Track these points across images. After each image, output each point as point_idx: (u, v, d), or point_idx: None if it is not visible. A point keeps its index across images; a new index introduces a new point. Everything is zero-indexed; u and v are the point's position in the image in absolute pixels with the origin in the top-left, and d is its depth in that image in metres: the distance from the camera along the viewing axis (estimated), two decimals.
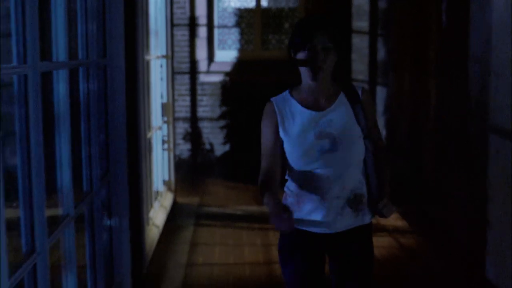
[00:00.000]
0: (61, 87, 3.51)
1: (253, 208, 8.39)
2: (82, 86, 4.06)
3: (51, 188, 3.51)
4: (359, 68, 10.77)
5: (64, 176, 3.56)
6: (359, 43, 10.70)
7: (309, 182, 3.25)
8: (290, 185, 3.35)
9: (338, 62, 3.22)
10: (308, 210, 3.27)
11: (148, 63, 6.68)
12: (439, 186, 7.46)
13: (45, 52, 3.43)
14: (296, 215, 3.24)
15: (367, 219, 3.36)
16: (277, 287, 5.66)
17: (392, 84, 9.68)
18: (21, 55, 2.82)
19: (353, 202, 3.28)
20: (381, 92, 10.31)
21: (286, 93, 3.33)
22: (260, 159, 3.33)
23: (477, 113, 4.63)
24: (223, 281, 5.90)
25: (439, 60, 7.56)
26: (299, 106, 3.26)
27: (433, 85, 7.85)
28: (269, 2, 11.57)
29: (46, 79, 3.41)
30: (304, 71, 3.20)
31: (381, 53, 10.25)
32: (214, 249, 6.80)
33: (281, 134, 3.28)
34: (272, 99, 3.32)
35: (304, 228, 3.30)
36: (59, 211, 3.59)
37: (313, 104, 3.27)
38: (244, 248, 6.79)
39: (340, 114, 3.25)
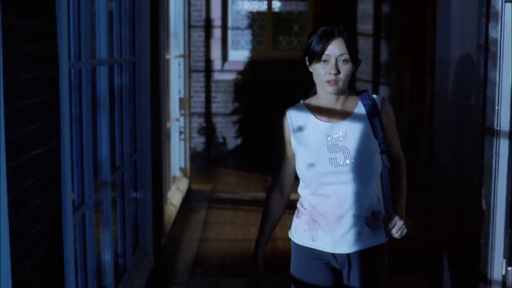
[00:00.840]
0: (102, 80, 4.36)
1: (261, 194, 8.89)
2: (116, 80, 4.91)
3: (96, 160, 4.37)
4: (364, 69, 10.88)
5: (104, 150, 4.42)
6: (364, 45, 10.71)
7: (323, 200, 3.09)
8: (303, 201, 3.20)
9: (354, 72, 3.09)
10: (322, 229, 3.12)
11: (168, 61, 7.50)
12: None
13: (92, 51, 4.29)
14: (309, 233, 3.15)
15: (384, 238, 3.18)
16: (279, 260, 6.35)
17: (394, 83, 10.08)
18: (77, 54, 3.68)
19: (371, 220, 3.12)
20: (383, 92, 10.44)
21: (300, 103, 3.20)
22: (273, 163, 3.21)
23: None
24: (232, 253, 6.58)
25: (433, 60, 8.14)
26: (312, 117, 3.12)
27: (429, 84, 8.47)
28: (280, 6, 12.01)
29: (92, 73, 4.27)
30: (319, 82, 3.06)
31: (384, 55, 10.56)
32: (224, 227, 7.49)
33: (293, 146, 3.14)
34: (287, 110, 3.19)
35: (318, 248, 3.16)
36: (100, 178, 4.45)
37: (328, 116, 3.12)
38: (251, 227, 7.42)
39: (356, 126, 3.08)
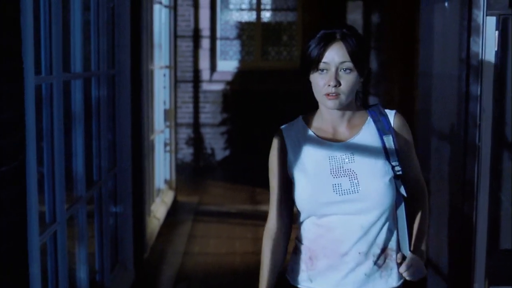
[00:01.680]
0: (77, 94, 4.28)
1: (247, 207, 9.01)
2: (94, 93, 4.82)
3: (70, 175, 4.28)
4: None
5: (79, 164, 4.33)
6: None
7: (323, 233, 2.63)
8: (301, 236, 2.71)
9: (363, 83, 2.64)
10: (323, 268, 2.65)
11: (152, 72, 7.42)
12: None
13: (65, 64, 4.21)
14: (308, 274, 2.68)
15: (396, 281, 2.67)
16: None
17: (384, 94, 10.09)
18: (48, 67, 3.59)
19: (381, 259, 2.63)
20: (373, 102, 10.56)
21: (298, 120, 2.75)
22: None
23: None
24: (215, 268, 6.51)
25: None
26: (313, 136, 2.66)
27: (417, 94, 8.40)
28: (269, 16, 11.98)
29: (66, 86, 4.18)
30: (317, 95, 2.60)
31: (374, 65, 10.56)
32: (209, 241, 7.41)
33: (290, 170, 2.68)
34: (282, 127, 2.75)
35: None
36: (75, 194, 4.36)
37: (331, 134, 2.66)
38: (236, 240, 7.38)
39: (364, 146, 2.63)
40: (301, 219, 2.69)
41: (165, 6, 8.43)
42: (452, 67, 4.11)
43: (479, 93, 3.83)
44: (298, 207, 2.67)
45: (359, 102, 2.68)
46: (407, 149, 2.70)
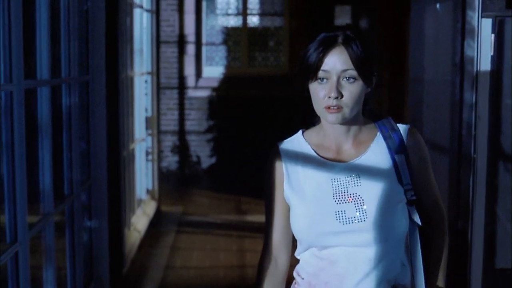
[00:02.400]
0: (44, 102, 3.99)
1: (232, 217, 8.81)
2: (64, 100, 4.55)
3: (36, 191, 4.00)
4: None
5: (46, 179, 4.05)
6: None
7: (325, 267, 2.31)
8: (300, 269, 2.39)
9: (371, 94, 2.35)
10: None
11: (132, 79, 7.16)
12: None
13: (31, 70, 3.93)
14: None
15: None
16: None
17: (371, 101, 9.96)
18: (7, 74, 3.31)
19: None
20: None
21: (298, 135, 2.43)
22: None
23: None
24: (198, 282, 6.29)
25: None
26: (314, 154, 2.34)
27: (407, 104, 8.27)
28: (255, 21, 11.83)
29: (31, 94, 3.91)
30: (317, 107, 2.28)
31: None
32: (192, 253, 7.18)
33: (287, 194, 2.35)
34: (280, 144, 2.43)
35: None
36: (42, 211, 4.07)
37: (335, 152, 2.34)
38: (220, 253, 7.17)
39: (373, 167, 2.31)
40: (300, 250, 2.37)
41: (147, 11, 8.17)
42: (445, 73, 3.86)
43: (474, 100, 3.56)
44: (296, 237, 2.36)
45: (366, 115, 2.37)
46: (423, 170, 2.37)
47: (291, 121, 10.58)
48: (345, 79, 2.22)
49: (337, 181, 2.29)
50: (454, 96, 3.72)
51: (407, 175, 2.30)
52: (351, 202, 2.26)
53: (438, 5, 3.98)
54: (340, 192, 2.28)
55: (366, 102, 2.33)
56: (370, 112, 2.38)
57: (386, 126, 2.37)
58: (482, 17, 3.51)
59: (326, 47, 2.23)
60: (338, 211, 2.26)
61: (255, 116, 11.26)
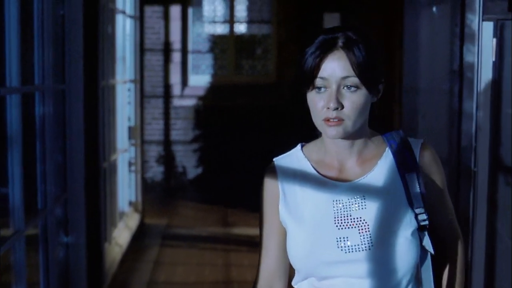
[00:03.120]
0: (13, 110, 3.73)
1: (218, 230, 8.60)
2: (37, 109, 4.29)
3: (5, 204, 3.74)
4: None
5: (16, 193, 3.78)
6: None
7: None
8: None
9: (378, 105, 2.07)
10: None
11: (113, 87, 6.91)
12: None
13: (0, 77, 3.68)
14: None
15: None
16: None
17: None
18: None
19: None
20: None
21: (296, 150, 2.15)
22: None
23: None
24: None
25: (402, 86, 7.82)
26: (313, 172, 2.08)
27: (397, 113, 8.12)
28: (242, 29, 11.71)
29: (1, 102, 3.65)
30: (316, 120, 2.02)
31: None
32: (176, 268, 6.98)
33: (282, 216, 2.08)
34: (276, 160, 2.15)
35: None
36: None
37: (337, 170, 2.07)
38: (206, 267, 6.96)
39: (380, 187, 2.03)
40: (298, 279, 2.11)
41: (130, 17, 7.93)
42: (442, 81, 3.62)
43: (474, 109, 3.32)
44: (293, 266, 2.10)
45: (373, 127, 2.11)
46: (437, 192, 2.09)
47: (279, 131, 10.60)
48: (346, 87, 1.96)
49: (340, 203, 2.02)
50: (452, 106, 3.47)
51: (419, 197, 2.02)
52: (355, 227, 1.99)
53: (434, 8, 3.74)
54: (342, 215, 2.01)
55: (373, 113, 2.05)
56: (378, 124, 2.11)
57: (396, 141, 2.08)
58: (483, 20, 3.26)
59: (324, 51, 1.96)
60: (340, 238, 1.99)
61: (243, 126, 11.12)
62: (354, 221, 2.00)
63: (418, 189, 2.01)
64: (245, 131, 11.05)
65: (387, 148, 2.07)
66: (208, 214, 9.59)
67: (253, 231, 8.35)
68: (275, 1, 11.38)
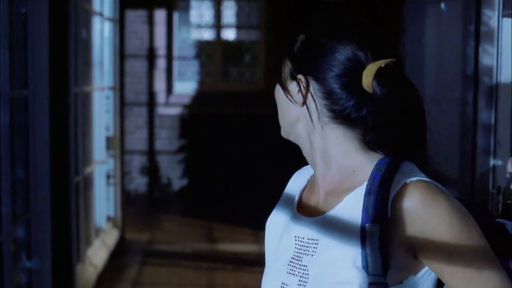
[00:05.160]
0: None
1: (203, 246, 8.19)
2: None
3: None
4: None
5: None
6: None
7: None
8: None
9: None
10: None
11: (88, 94, 6.44)
12: None
13: None
14: None
15: None
16: None
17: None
18: None
19: None
20: None
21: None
22: None
23: None
24: None
25: None
26: (293, 195, 1.72)
27: None
28: (230, 35, 11.52)
29: None
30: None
31: None
32: None
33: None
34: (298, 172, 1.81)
35: None
36: None
37: (317, 198, 1.65)
38: None
39: (332, 234, 1.54)
40: None
41: (109, 19, 7.45)
42: (453, 87, 3.15)
43: (493, 121, 2.82)
44: None
45: (382, 148, 1.56)
46: (435, 258, 1.47)
47: (268, 141, 10.26)
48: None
49: (300, 242, 1.58)
50: (465, 116, 2.99)
51: (378, 261, 1.44)
52: (297, 275, 1.55)
53: (442, 5, 3.27)
54: (297, 258, 1.57)
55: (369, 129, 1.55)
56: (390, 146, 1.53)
57: (383, 172, 1.50)
58: (503, 16, 2.78)
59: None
60: (283, 285, 1.58)
61: (230, 135, 10.90)
62: (300, 268, 1.55)
63: (377, 248, 1.44)
64: (232, 141, 10.83)
65: (365, 182, 1.53)
66: (193, 228, 9.20)
67: (240, 248, 7.97)
68: (264, 6, 11.15)
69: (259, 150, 10.62)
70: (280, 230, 1.66)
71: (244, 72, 11.42)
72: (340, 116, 1.54)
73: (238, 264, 6.94)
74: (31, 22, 4.35)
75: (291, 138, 1.64)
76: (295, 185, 1.73)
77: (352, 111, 1.54)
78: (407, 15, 3.77)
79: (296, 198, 1.68)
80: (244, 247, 7.53)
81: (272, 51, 10.82)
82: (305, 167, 1.74)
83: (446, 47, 3.35)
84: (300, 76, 1.58)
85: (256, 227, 8.05)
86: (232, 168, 10.79)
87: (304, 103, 1.57)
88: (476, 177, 2.93)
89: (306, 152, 1.62)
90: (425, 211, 1.45)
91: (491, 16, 2.86)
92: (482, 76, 2.93)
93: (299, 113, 1.59)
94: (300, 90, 1.58)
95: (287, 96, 1.59)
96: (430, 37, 3.50)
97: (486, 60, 2.92)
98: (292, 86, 1.59)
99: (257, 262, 5.96)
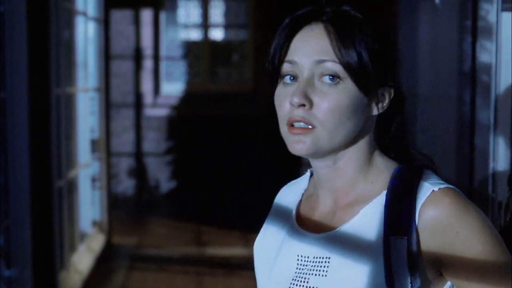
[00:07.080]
0: None
1: (191, 250, 8.07)
2: None
3: None
4: None
5: None
6: None
7: None
8: None
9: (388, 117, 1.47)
10: None
11: (72, 96, 6.28)
12: None
13: None
14: None
15: None
16: None
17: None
18: None
19: None
20: None
21: (305, 177, 1.59)
22: None
23: None
24: None
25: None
26: (290, 210, 1.53)
27: None
28: (217, 34, 11.43)
29: None
30: (281, 126, 1.43)
31: None
32: None
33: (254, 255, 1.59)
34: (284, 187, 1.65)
35: None
36: None
37: (319, 212, 1.48)
38: None
39: (348, 250, 1.38)
40: None
41: (93, 19, 7.30)
42: (448, 86, 3.02)
43: (491, 121, 2.68)
44: None
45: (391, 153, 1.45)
46: (458, 272, 1.32)
47: (257, 142, 10.19)
48: (322, 78, 1.33)
49: (304, 261, 1.41)
50: (462, 116, 2.85)
51: (407, 276, 1.30)
52: None
53: None
54: (301, 278, 1.39)
55: (383, 129, 1.44)
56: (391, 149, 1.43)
57: (400, 181, 1.36)
58: (502, 10, 2.64)
59: (299, 24, 1.36)
60: None
61: (218, 137, 10.79)
62: None
63: (405, 264, 1.30)
64: (221, 142, 10.73)
65: (384, 191, 1.38)
66: (181, 232, 9.06)
67: (229, 252, 7.84)
68: (252, 5, 11.05)
69: (248, 151, 10.52)
70: (275, 248, 1.49)
71: (232, 73, 11.35)
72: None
73: (227, 268, 6.82)
74: (8, 22, 4.20)
75: (335, 143, 1.37)
76: (287, 200, 1.54)
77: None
78: (399, 10, 3.63)
79: (293, 213, 1.50)
80: (233, 251, 7.40)
81: (260, 51, 10.72)
82: (292, 181, 1.58)
83: (441, 43, 3.21)
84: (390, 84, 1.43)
85: (245, 230, 7.96)
86: (221, 169, 10.70)
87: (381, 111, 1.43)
88: (474, 181, 2.79)
89: (344, 159, 1.41)
90: (458, 220, 1.31)
91: (489, 10, 2.72)
92: (479, 74, 2.80)
93: (365, 122, 1.40)
94: (386, 98, 1.43)
95: (372, 104, 1.41)
96: (424, 32, 3.37)
97: (484, 56, 2.79)
98: (378, 93, 1.41)
99: (247, 266, 5.83)
